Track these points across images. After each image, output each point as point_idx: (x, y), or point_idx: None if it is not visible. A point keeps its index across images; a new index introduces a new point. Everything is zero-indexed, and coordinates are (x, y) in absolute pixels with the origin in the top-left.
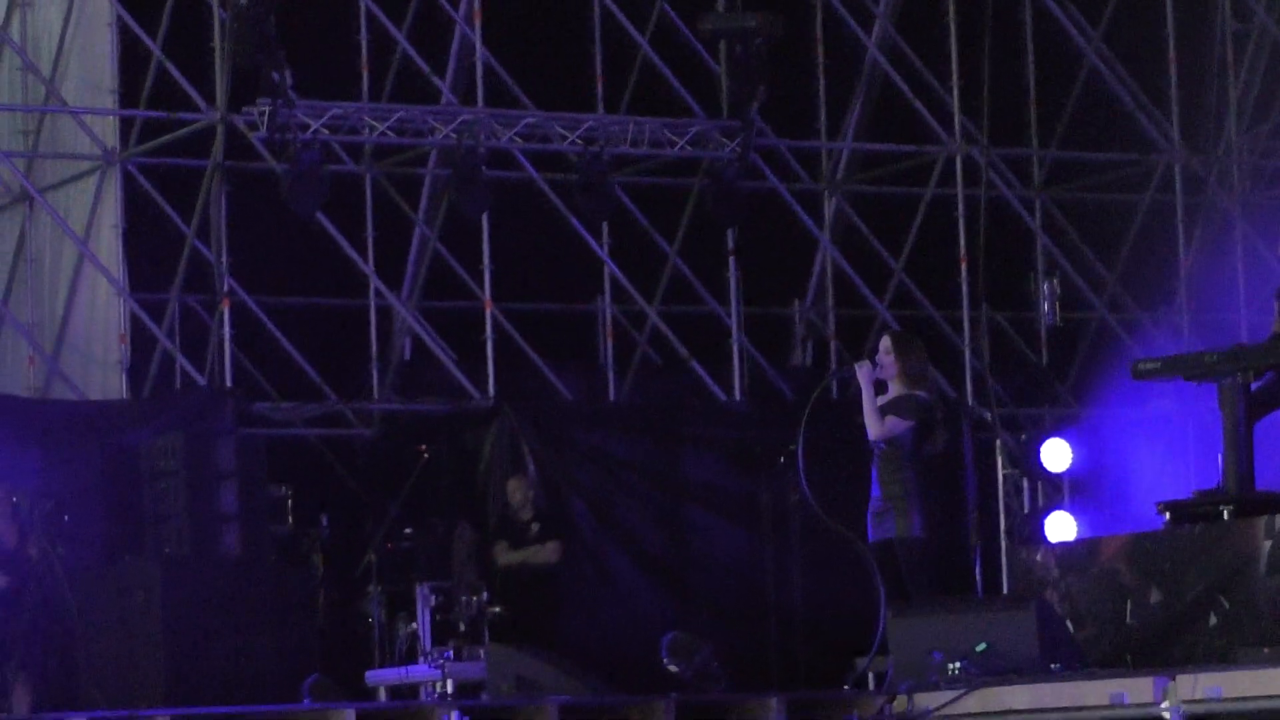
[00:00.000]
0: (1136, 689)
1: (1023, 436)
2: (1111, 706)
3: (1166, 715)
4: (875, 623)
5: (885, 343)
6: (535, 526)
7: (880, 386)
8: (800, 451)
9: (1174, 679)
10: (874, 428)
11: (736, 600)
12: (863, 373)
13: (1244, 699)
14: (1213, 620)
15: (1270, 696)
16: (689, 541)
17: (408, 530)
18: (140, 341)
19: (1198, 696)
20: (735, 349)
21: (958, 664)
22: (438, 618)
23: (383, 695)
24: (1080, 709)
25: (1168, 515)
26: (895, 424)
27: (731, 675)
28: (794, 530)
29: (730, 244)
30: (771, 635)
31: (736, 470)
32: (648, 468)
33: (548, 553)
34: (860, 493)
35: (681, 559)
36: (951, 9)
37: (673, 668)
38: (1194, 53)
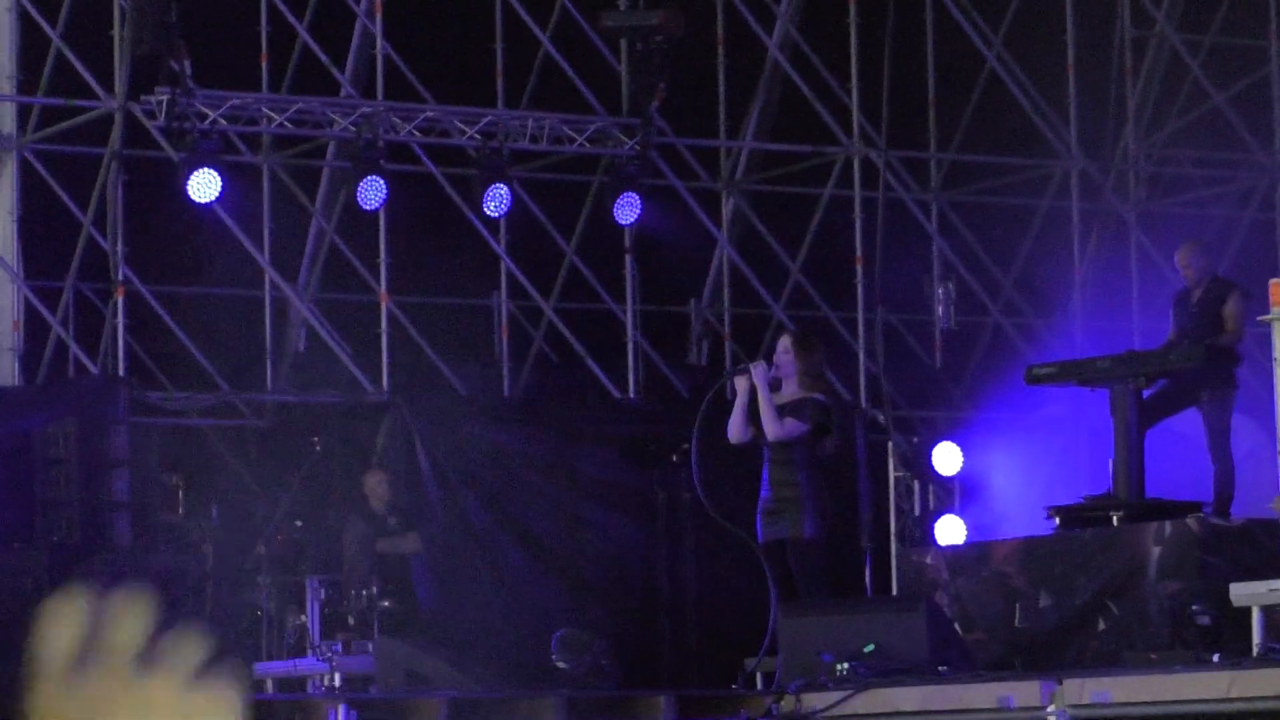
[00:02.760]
0: (1024, 692)
1: (915, 439)
2: (998, 710)
3: (1053, 719)
4: (766, 622)
5: (784, 343)
6: (392, 520)
7: (774, 385)
8: (694, 450)
9: (1061, 683)
10: (771, 429)
11: (629, 597)
12: (759, 373)
13: (1131, 704)
14: (1101, 625)
15: (1157, 702)
16: (583, 537)
17: (298, 522)
18: (34, 329)
19: (1084, 701)
20: (631, 346)
21: (846, 664)
22: (327, 611)
23: (270, 687)
24: (967, 711)
25: (1058, 520)
26: (794, 426)
27: (623, 672)
28: (687, 528)
29: (627, 241)
30: (664, 632)
31: (631, 466)
32: (542, 463)
33: (408, 543)
34: (754, 492)
35: (575, 554)
36: (853, 11)
37: (563, 664)
38: (1093, 59)
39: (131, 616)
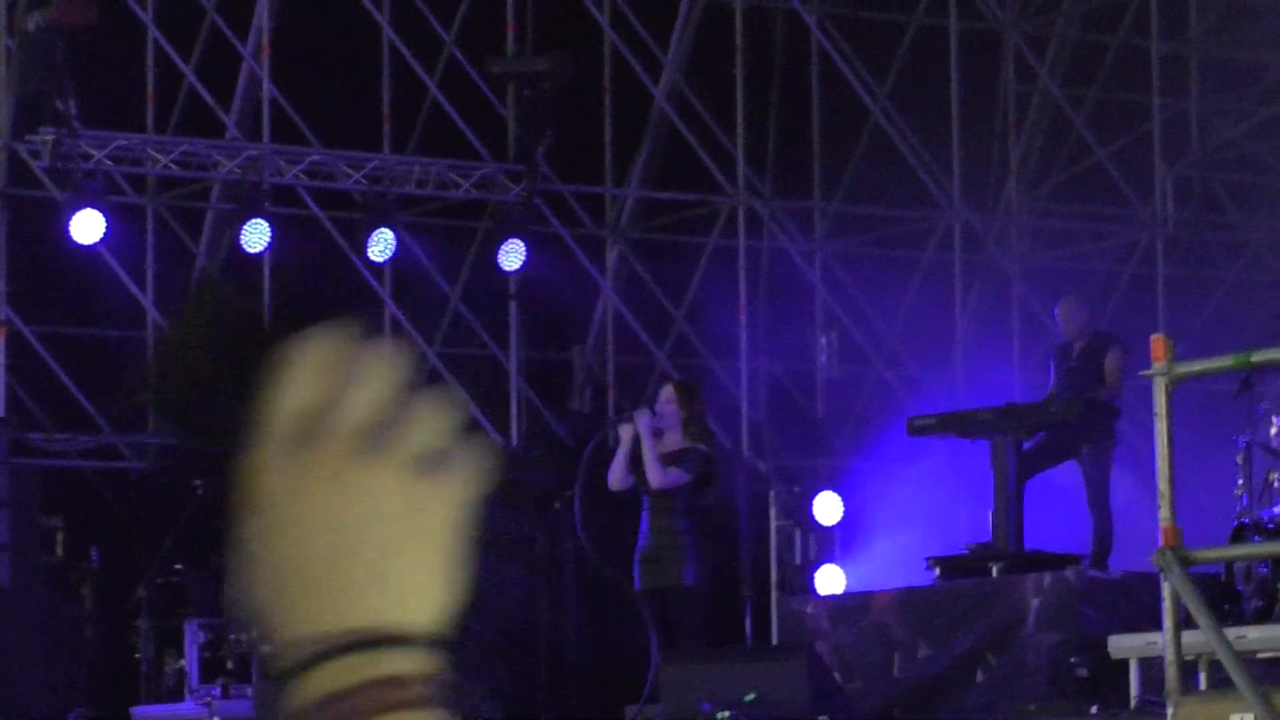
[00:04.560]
0: None
1: (796, 488)
2: None
3: None
4: (646, 670)
5: (667, 391)
6: None
7: (658, 434)
8: (577, 497)
9: None
10: (655, 477)
11: (509, 643)
12: (642, 421)
13: None
14: (980, 676)
15: None
16: (465, 582)
17: (179, 566)
18: None
19: None
20: (514, 392)
21: (727, 713)
22: (206, 655)
23: None
24: None
25: (938, 570)
26: (676, 475)
27: (503, 717)
28: (569, 575)
29: (512, 288)
30: (544, 679)
31: (513, 513)
32: None
33: None
34: (635, 540)
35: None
36: (739, 61)
37: None
38: (978, 112)
39: (379, 380)
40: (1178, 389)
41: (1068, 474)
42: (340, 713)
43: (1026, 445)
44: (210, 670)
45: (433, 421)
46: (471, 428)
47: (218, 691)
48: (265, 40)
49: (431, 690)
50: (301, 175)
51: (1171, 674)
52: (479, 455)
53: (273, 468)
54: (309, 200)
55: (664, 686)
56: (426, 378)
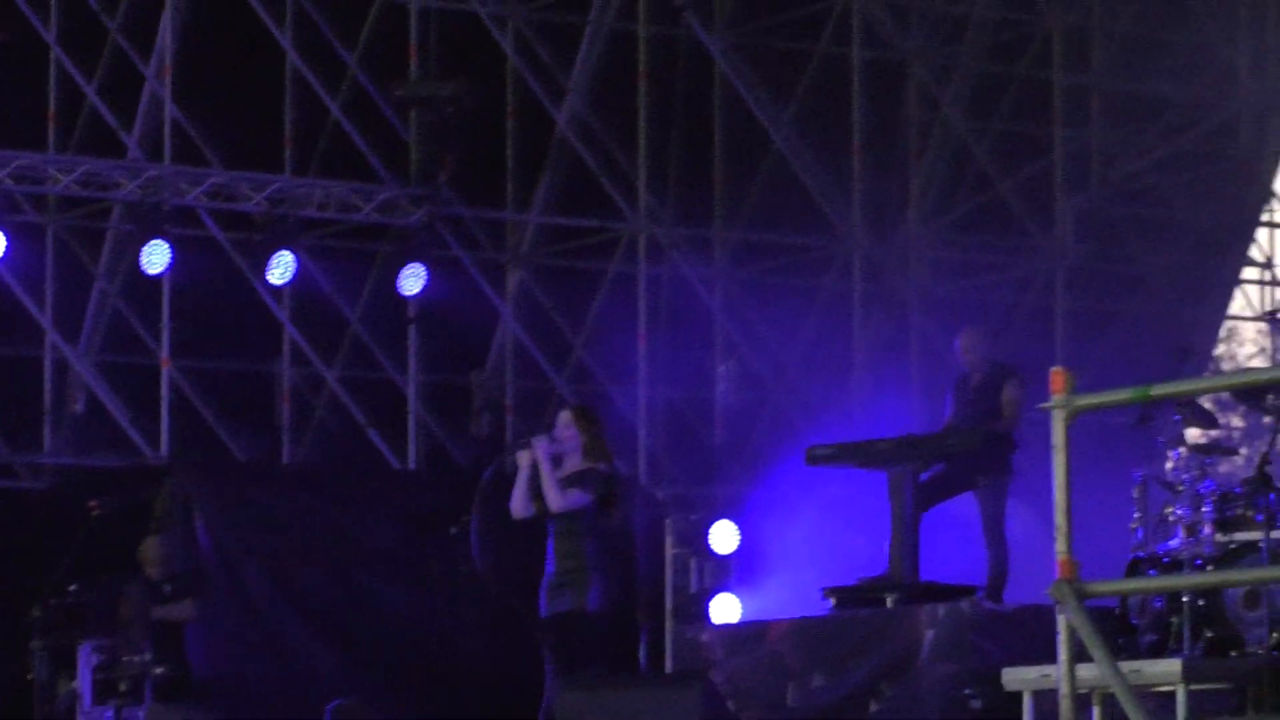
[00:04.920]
0: None
1: (693, 516)
2: None
3: None
4: (546, 695)
5: (565, 416)
6: (167, 586)
7: (557, 460)
8: (474, 522)
9: None
10: (554, 500)
11: (407, 668)
12: (541, 447)
13: None
14: (874, 707)
15: None
16: (362, 607)
17: (73, 587)
18: None
19: None
20: (412, 417)
21: None
22: (99, 676)
23: None
24: None
25: (833, 600)
26: (577, 497)
27: None
28: (466, 600)
29: (411, 312)
30: (442, 704)
31: (410, 537)
32: (322, 530)
33: (181, 610)
34: (539, 565)
35: (353, 624)
36: (642, 88)
37: None
38: (881, 141)
39: None
40: (1076, 421)
41: (964, 505)
42: None
43: (924, 476)
44: (104, 692)
45: None
46: None
47: (110, 715)
48: (168, 60)
49: None
50: (203, 196)
51: (1065, 707)
52: None
53: None
54: (209, 222)
55: (560, 713)
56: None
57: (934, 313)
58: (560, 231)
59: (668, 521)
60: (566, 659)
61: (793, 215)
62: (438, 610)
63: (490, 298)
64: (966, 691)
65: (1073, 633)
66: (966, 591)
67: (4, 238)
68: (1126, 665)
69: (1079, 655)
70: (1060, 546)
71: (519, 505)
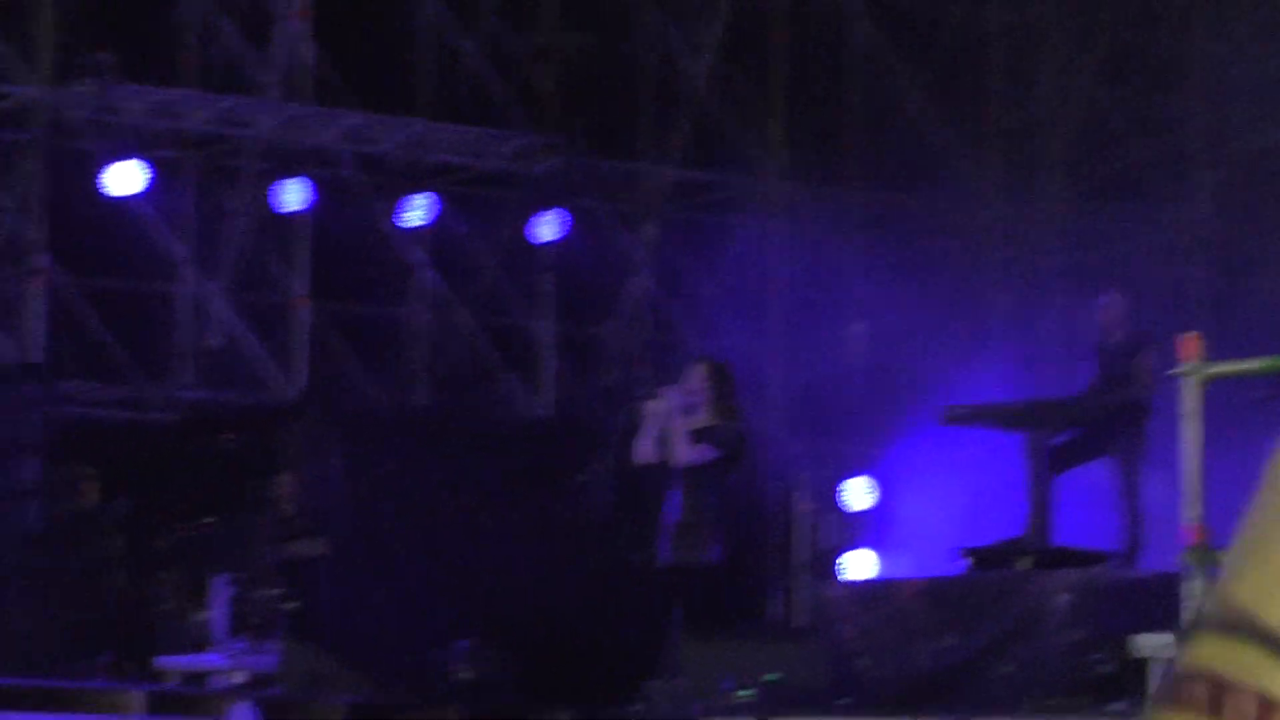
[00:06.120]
0: None
1: (827, 473)
2: None
3: None
4: (668, 646)
5: (698, 369)
6: (300, 522)
7: (687, 411)
8: (600, 471)
9: None
10: (682, 453)
11: (533, 613)
12: (672, 397)
13: None
14: (1003, 669)
15: None
16: (489, 551)
17: (207, 519)
18: None
19: None
20: (543, 364)
21: (747, 692)
22: (232, 608)
23: (173, 681)
24: None
25: (968, 560)
26: (704, 451)
27: (523, 687)
28: (593, 548)
29: (546, 259)
30: (566, 651)
31: (539, 484)
32: (451, 475)
33: (312, 547)
34: (661, 515)
35: (480, 568)
36: (776, 44)
37: (464, 675)
38: (1017, 107)
39: None
40: (1211, 390)
41: (1099, 471)
42: (1201, 699)
43: (1059, 441)
44: (235, 624)
45: None
46: None
47: (241, 648)
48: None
49: None
50: (339, 138)
51: None
52: None
53: None
54: (346, 163)
55: (685, 663)
56: None
57: (1070, 280)
58: (697, 184)
59: (801, 477)
60: (689, 610)
61: (926, 178)
62: (565, 557)
63: (623, 248)
64: (1094, 656)
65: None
66: (1099, 557)
67: (142, 172)
68: None
69: None
70: (1190, 513)
71: (645, 454)
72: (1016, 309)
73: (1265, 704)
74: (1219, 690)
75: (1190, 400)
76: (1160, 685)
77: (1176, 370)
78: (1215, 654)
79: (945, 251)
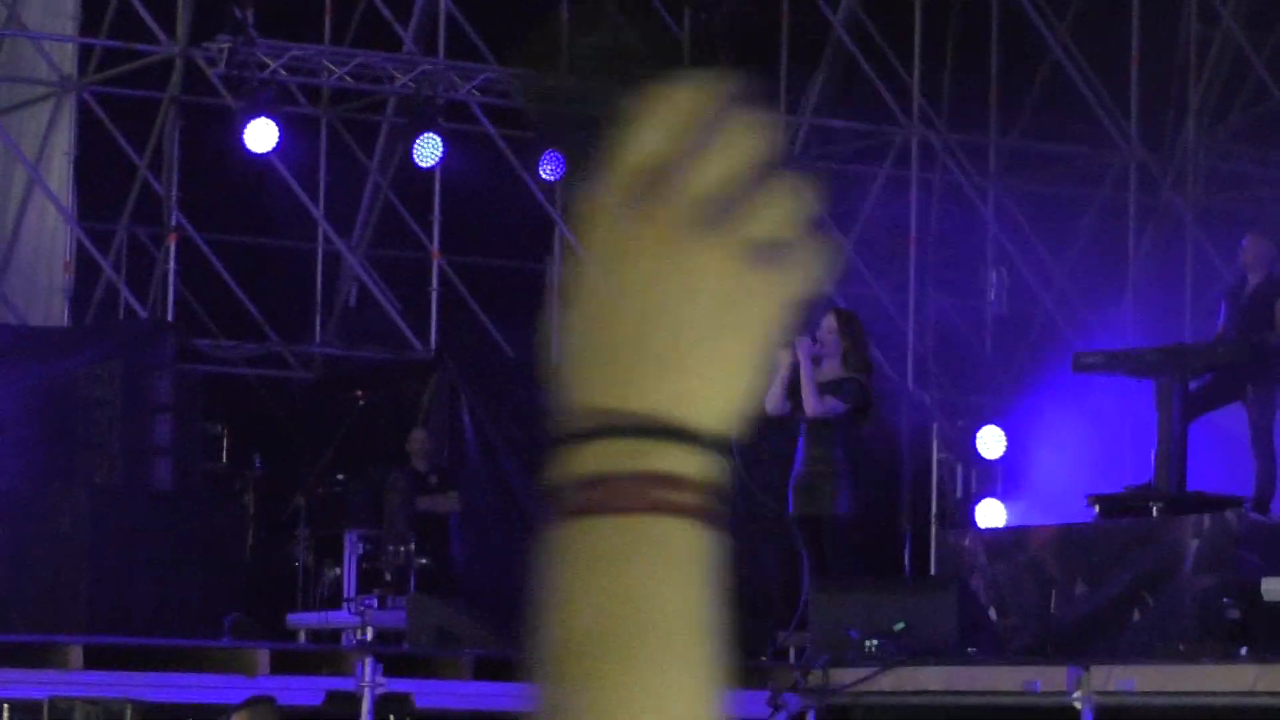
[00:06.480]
0: (1050, 677)
1: (960, 422)
2: (1023, 693)
3: (1078, 705)
4: (798, 597)
5: (829, 321)
6: (432, 478)
7: (817, 362)
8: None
9: (1088, 669)
10: (811, 404)
11: None
12: (803, 347)
13: (1156, 694)
14: (1136, 616)
15: (1182, 693)
16: None
17: (340, 476)
18: (85, 270)
19: (1110, 688)
20: None
21: (875, 641)
22: (364, 565)
23: (303, 638)
24: (993, 693)
25: (1098, 508)
26: (834, 404)
27: None
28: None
29: None
30: None
31: None
32: None
33: (446, 502)
34: (789, 466)
35: None
36: None
37: None
38: (1157, 53)
39: (736, 150)
40: None
41: (1233, 416)
42: (602, 498)
43: (1192, 386)
44: (367, 581)
45: (780, 208)
46: (817, 224)
47: (373, 602)
48: None
49: (706, 501)
50: (475, 92)
51: None
52: (816, 255)
53: (601, 220)
54: (482, 117)
55: (814, 613)
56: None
57: (1208, 226)
58: (832, 134)
59: (934, 427)
60: (818, 560)
61: (1068, 126)
62: None
63: None
64: (1224, 601)
65: None
66: (1232, 502)
67: (277, 129)
68: None
69: None
70: None
71: (774, 403)
72: (1155, 256)
73: (657, 480)
74: (604, 484)
75: None
76: (539, 509)
77: None
78: (589, 459)
79: (1084, 199)
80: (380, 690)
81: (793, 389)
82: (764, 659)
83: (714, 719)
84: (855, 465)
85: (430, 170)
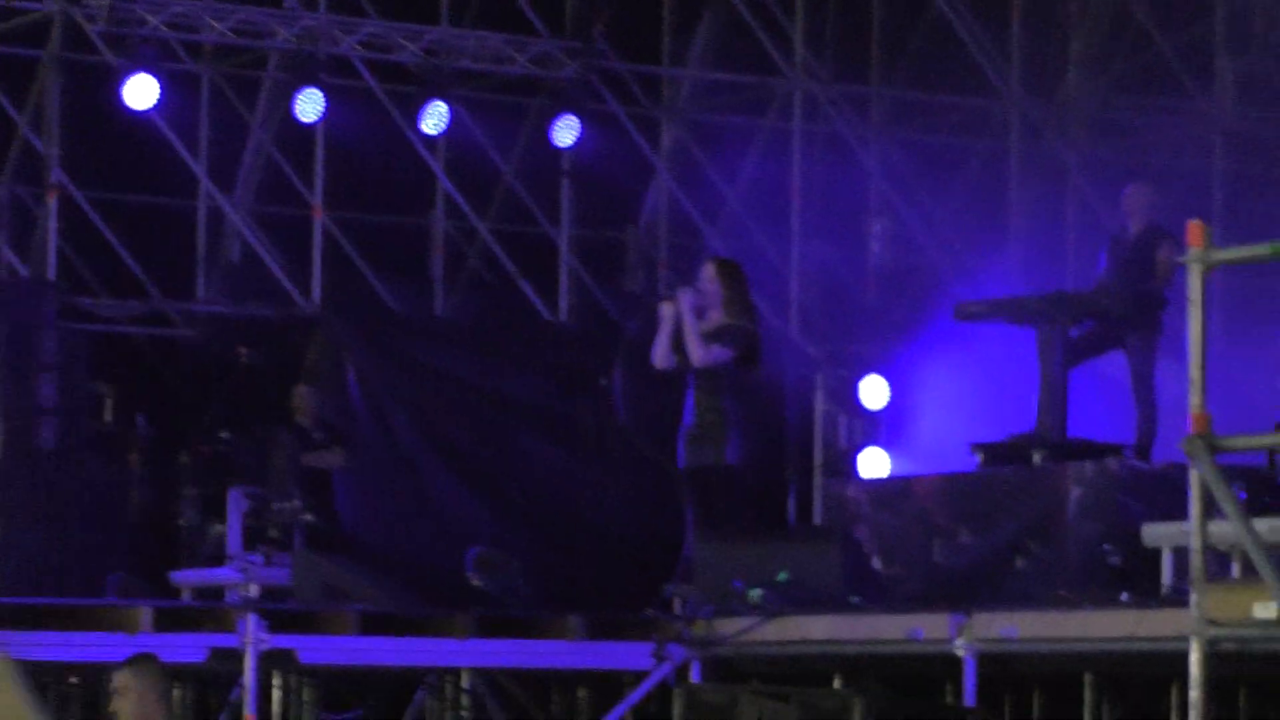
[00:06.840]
0: (933, 625)
1: (843, 372)
2: (906, 641)
3: (960, 652)
4: (684, 548)
5: (709, 270)
6: (317, 434)
7: (699, 313)
8: (619, 375)
9: (970, 617)
10: (696, 354)
11: (552, 519)
12: (685, 298)
13: (1038, 640)
14: (1020, 563)
15: (1064, 639)
16: (509, 458)
17: (225, 434)
18: None
19: (993, 635)
20: (564, 270)
21: (758, 591)
22: (250, 522)
23: (187, 596)
24: (876, 642)
25: (981, 457)
26: (719, 352)
27: (540, 594)
28: (612, 452)
29: (565, 165)
30: (584, 556)
31: (559, 390)
32: (471, 383)
33: (330, 458)
34: (680, 418)
35: (499, 475)
36: None
37: (478, 582)
38: (1040, 1)
39: None
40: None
41: (1114, 363)
42: None
43: (1074, 334)
44: (253, 538)
45: None
46: None
47: (258, 560)
48: None
49: None
50: (357, 46)
51: (1196, 562)
52: None
53: None
54: (364, 71)
55: (699, 565)
56: None
57: (1091, 174)
58: (715, 86)
59: (818, 377)
60: (706, 511)
61: (950, 75)
62: (584, 462)
63: (644, 152)
64: (1105, 547)
65: (1205, 488)
66: (1114, 449)
67: (158, 85)
68: (1264, 522)
69: (1217, 512)
70: (1194, 400)
71: (661, 357)
72: (1037, 204)
73: None
74: None
75: (1195, 288)
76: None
77: (1181, 259)
78: None
79: (967, 149)
80: (264, 646)
81: (678, 342)
82: (648, 611)
83: None
84: (744, 415)
85: (312, 126)
